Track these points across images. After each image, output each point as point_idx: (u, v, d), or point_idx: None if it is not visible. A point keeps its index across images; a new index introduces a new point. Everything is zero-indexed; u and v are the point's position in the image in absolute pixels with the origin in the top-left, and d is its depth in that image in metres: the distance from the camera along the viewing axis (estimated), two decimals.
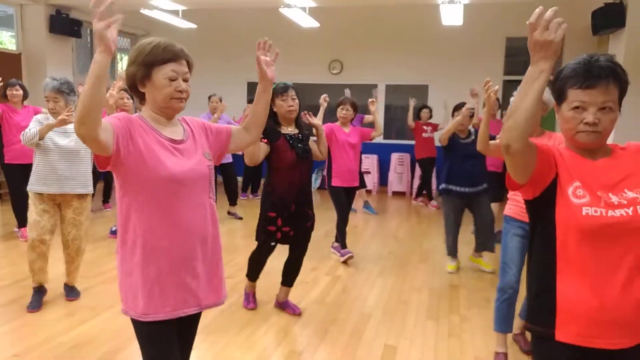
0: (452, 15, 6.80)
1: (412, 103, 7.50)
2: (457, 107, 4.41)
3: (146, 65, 1.60)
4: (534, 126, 1.32)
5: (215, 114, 6.29)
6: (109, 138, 1.49)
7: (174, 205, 1.62)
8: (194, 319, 1.82)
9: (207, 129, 1.83)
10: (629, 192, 1.40)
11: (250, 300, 3.56)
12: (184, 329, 1.79)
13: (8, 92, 4.97)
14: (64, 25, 7.78)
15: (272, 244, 3.30)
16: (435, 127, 7.66)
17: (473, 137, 4.28)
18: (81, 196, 3.52)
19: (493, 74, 8.77)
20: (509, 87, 8.05)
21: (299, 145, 3.24)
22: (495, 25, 8.37)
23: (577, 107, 1.40)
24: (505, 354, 2.87)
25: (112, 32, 1.39)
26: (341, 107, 4.80)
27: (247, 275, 3.53)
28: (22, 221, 5.02)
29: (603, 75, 1.37)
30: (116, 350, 2.88)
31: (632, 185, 1.41)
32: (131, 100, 4.92)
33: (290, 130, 3.27)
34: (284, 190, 3.21)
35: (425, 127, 7.65)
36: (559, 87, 1.45)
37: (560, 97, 1.45)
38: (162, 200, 1.60)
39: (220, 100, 6.53)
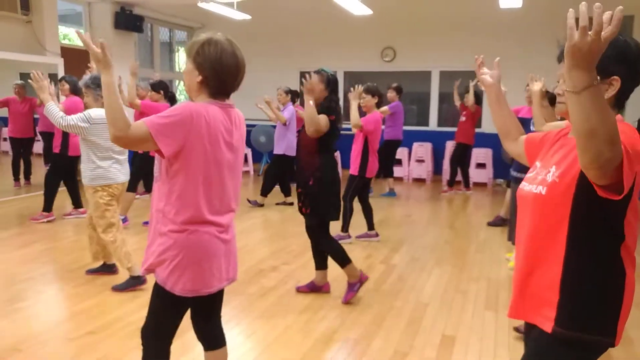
0: None
1: (471, 83, 6.83)
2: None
3: None
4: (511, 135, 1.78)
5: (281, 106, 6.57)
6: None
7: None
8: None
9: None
10: (552, 170, 1.38)
11: (348, 290, 3.51)
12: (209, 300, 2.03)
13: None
14: (128, 21, 8.14)
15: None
16: (469, 113, 7.15)
17: None
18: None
19: (554, 60, 8.34)
20: None
21: None
22: (557, 7, 7.95)
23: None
24: None
25: (106, 53, 1.75)
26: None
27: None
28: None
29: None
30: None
31: (563, 164, 1.37)
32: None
33: None
34: None
35: (463, 112, 7.30)
36: None
37: None
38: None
39: (287, 93, 6.65)
